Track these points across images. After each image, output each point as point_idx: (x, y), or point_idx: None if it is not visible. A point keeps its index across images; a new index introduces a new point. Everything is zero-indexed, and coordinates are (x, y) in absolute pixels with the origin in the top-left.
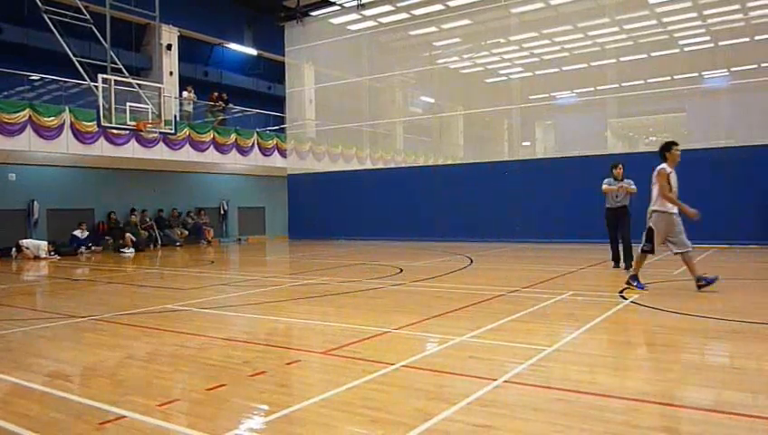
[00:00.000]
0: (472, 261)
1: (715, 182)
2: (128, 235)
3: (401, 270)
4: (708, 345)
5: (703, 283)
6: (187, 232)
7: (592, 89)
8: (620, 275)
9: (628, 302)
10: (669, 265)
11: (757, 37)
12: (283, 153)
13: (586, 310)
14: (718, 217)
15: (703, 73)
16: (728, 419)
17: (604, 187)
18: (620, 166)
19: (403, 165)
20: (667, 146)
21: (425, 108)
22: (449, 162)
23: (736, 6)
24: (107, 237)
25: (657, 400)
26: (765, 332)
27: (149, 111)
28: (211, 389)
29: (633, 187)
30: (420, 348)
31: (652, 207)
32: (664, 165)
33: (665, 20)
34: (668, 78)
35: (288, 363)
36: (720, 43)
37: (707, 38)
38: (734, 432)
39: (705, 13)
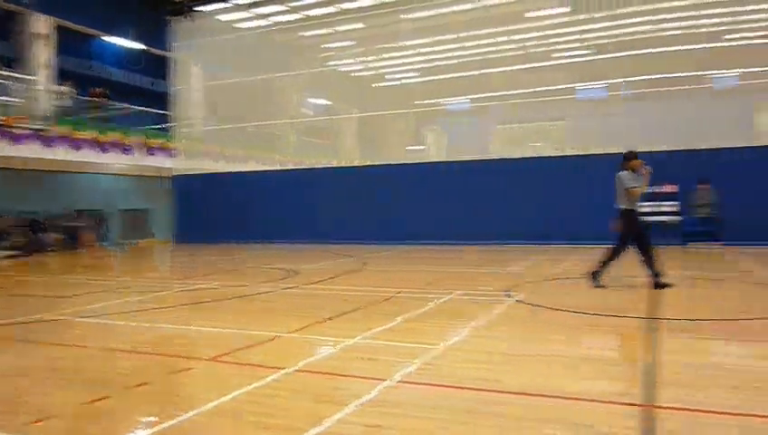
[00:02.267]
0: (366, 263)
1: (592, 187)
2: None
3: (294, 273)
4: (587, 339)
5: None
6: (64, 236)
7: (481, 96)
8: (506, 275)
9: (513, 300)
10: (552, 264)
11: (632, 52)
12: (170, 153)
13: (474, 309)
14: (596, 218)
15: (581, 85)
16: (610, 406)
17: (634, 187)
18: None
19: (298, 167)
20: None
21: (319, 110)
22: (344, 164)
23: (614, 23)
24: None
25: (543, 392)
26: (635, 325)
27: (20, 105)
28: (92, 402)
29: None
30: (313, 351)
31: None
32: None
33: (547, 32)
34: (551, 88)
35: (175, 372)
36: (598, 57)
37: (587, 51)
38: (614, 420)
39: (584, 27)
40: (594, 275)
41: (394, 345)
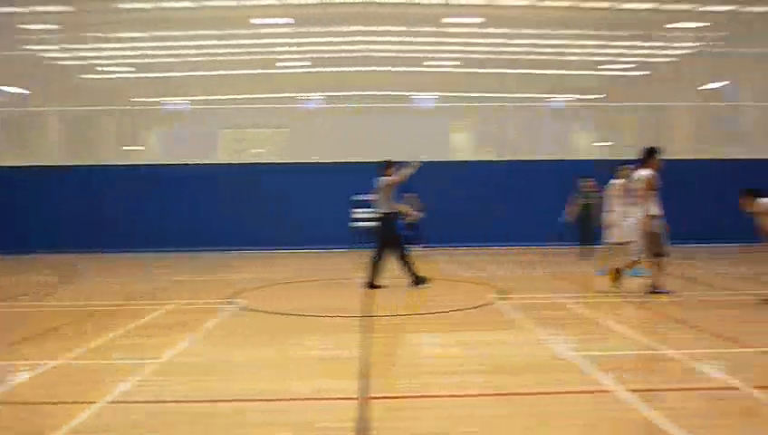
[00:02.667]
0: (77, 274)
1: (316, 193)
2: None
3: None
4: (309, 340)
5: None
6: None
7: (203, 97)
8: (232, 282)
9: (237, 307)
10: (278, 269)
11: (353, 68)
12: None
13: (197, 318)
14: (321, 223)
15: (302, 94)
16: (331, 402)
17: (400, 178)
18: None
19: None
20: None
21: (10, 100)
22: (45, 164)
23: (335, 39)
24: None
25: (262, 397)
26: (353, 323)
27: None
28: None
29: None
30: (5, 378)
31: None
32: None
33: (266, 41)
34: (274, 95)
35: None
36: (318, 70)
37: (308, 63)
38: (334, 415)
39: (304, 40)
40: (415, 281)
41: (107, 364)
